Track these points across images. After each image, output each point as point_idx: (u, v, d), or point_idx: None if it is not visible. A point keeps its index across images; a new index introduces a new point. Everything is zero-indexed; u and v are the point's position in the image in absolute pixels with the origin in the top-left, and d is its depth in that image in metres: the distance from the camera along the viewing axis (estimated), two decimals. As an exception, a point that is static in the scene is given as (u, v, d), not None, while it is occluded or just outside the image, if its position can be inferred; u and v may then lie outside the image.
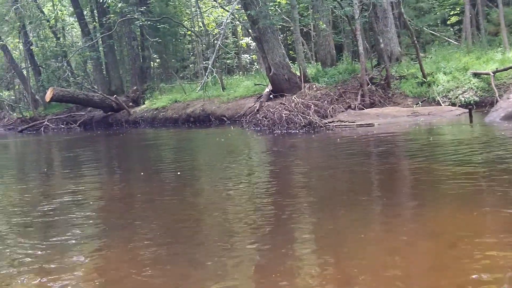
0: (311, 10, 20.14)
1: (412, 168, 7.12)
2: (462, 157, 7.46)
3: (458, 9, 22.12)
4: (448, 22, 23.24)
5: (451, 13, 22.82)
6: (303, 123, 13.26)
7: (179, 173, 8.25)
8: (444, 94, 14.59)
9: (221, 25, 19.16)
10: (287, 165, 8.43)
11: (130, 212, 5.85)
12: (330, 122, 13.28)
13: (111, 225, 5.31)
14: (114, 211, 6.02)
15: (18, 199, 7.35)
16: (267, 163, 9.10)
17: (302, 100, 14.45)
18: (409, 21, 18.54)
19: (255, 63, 29.73)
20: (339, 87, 15.94)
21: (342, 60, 20.57)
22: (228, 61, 29.79)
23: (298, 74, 17.67)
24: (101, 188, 7.77)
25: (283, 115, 13.82)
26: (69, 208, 6.14)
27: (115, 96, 24.14)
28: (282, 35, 27.68)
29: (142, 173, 8.78)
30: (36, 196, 7.42)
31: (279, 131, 13.41)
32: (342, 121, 13.22)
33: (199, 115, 19.50)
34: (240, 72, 27.93)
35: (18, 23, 30.78)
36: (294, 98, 14.70)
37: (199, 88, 16.72)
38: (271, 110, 14.54)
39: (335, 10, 19.17)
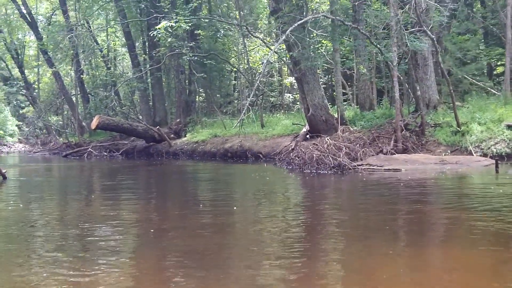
0: (354, 54, 21.16)
1: (429, 212, 8.08)
2: (474, 204, 8.43)
3: (504, 60, 22.76)
4: (495, 73, 23.89)
5: (498, 64, 23.48)
6: (333, 164, 14.18)
7: (235, 208, 9.14)
8: (476, 144, 15.26)
9: (267, 64, 20.37)
10: (317, 205, 9.33)
11: (163, 239, 6.69)
12: (359, 165, 14.17)
13: (143, 250, 6.23)
14: (148, 237, 6.90)
15: (58, 219, 8.55)
16: (298, 201, 10.13)
17: (335, 142, 15.39)
18: (450, 69, 19.34)
19: (298, 103, 30.90)
20: (373, 131, 16.82)
21: (382, 104, 21.47)
22: (271, 99, 31.07)
23: (336, 116, 18.64)
24: (138, 214, 8.84)
25: (314, 155, 14.78)
26: (106, 232, 7.16)
27: (158, 127, 25.64)
28: (326, 77, 28.81)
29: (201, 205, 9.65)
30: (75, 218, 8.59)
31: (309, 171, 14.36)
32: (371, 164, 14.08)
33: (236, 151, 20.63)
34: (282, 111, 29.14)
35: (72, 51, 32.97)
36: (327, 139, 15.65)
37: (235, 124, 17.87)
38: (303, 150, 15.54)
39: (378, 55, 20.14)
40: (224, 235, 6.92)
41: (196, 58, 25.44)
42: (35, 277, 5.08)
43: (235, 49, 29.21)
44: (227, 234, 7.01)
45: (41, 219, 8.57)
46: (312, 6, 22.32)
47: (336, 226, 7.30)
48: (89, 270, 5.23)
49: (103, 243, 6.50)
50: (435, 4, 15.79)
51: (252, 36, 26.45)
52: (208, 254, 5.80)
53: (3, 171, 16.14)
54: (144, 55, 31.02)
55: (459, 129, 15.89)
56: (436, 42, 16.54)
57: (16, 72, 49.46)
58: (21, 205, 10.06)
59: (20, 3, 38.58)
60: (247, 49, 26.30)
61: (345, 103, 23.56)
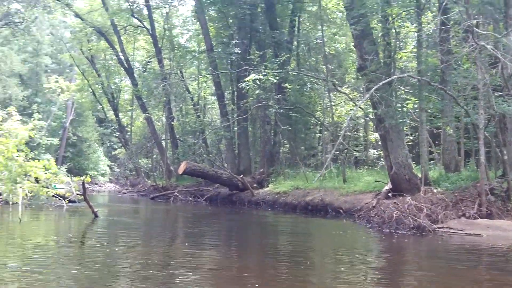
0: (441, 114, 21.14)
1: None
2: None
3: None
4: None
5: None
6: (412, 225, 14.26)
7: (328, 264, 9.56)
8: None
9: (350, 120, 20.74)
10: (396, 267, 9.64)
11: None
12: (439, 228, 14.17)
13: None
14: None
15: (142, 261, 9.30)
16: (377, 262, 10.39)
17: (416, 203, 15.46)
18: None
19: (382, 159, 30.89)
20: (456, 194, 16.69)
21: (469, 166, 21.21)
22: (356, 154, 31.27)
23: (420, 175, 18.64)
24: (217, 260, 9.45)
25: (394, 214, 14.92)
26: (188, 278, 7.78)
27: (241, 176, 26.44)
28: (413, 134, 28.76)
29: (305, 263, 9.93)
30: (157, 261, 9.31)
31: (388, 230, 14.49)
32: (451, 228, 14.06)
33: (317, 204, 20.94)
34: (365, 166, 29.25)
35: (164, 98, 34.75)
36: (408, 199, 15.75)
37: (315, 179, 18.26)
38: (383, 208, 15.69)
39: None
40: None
41: (282, 110, 26.25)
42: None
43: (321, 102, 29.81)
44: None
45: (126, 260, 9.34)
46: (401, 64, 22.60)
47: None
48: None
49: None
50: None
51: (338, 91, 27.00)
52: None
53: (95, 210, 17.40)
54: (232, 105, 32.29)
55: (547, 196, 15.52)
56: (525, 106, 16.35)
57: (111, 114, 52.37)
58: (105, 243, 10.94)
59: (118, 50, 41.18)
60: (332, 104, 26.85)
61: (431, 162, 23.39)
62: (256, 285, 7.25)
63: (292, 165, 29.14)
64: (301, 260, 9.98)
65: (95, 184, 49.41)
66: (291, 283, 7.62)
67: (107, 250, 10.32)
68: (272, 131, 29.73)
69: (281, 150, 31.10)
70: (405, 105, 21.29)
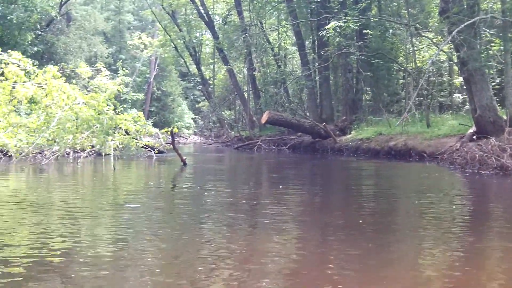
0: (528, 54, 20.99)
1: None
2: None
3: None
4: None
5: None
6: (495, 165, 14.71)
7: (416, 202, 9.93)
8: None
9: (432, 63, 21.00)
10: (482, 205, 9.84)
11: (323, 233, 7.39)
12: (523, 167, 14.55)
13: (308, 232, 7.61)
14: (309, 233, 7.46)
15: (229, 201, 10.24)
16: (462, 201, 10.53)
17: (499, 143, 15.82)
18: None
19: (467, 103, 30.70)
20: (542, 134, 16.88)
21: (557, 107, 21.03)
22: (440, 99, 31.27)
23: (505, 117, 18.80)
24: (301, 203, 10.27)
25: (477, 155, 15.40)
26: (276, 214, 8.46)
27: (324, 124, 27.21)
28: (500, 78, 28.44)
29: (393, 200, 10.57)
30: (244, 201, 10.09)
31: (470, 171, 15.01)
32: (535, 167, 14.41)
33: (400, 149, 21.46)
34: (450, 111, 29.28)
35: (245, 50, 35.74)
36: (492, 140, 16.12)
37: (397, 123, 18.82)
38: (465, 149, 16.17)
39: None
40: (383, 237, 8.04)
41: (363, 57, 26.64)
42: (204, 252, 5.93)
43: (404, 48, 29.87)
44: (388, 235, 7.90)
45: (218, 199, 10.19)
46: (485, 6, 22.40)
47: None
48: (257, 242, 6.37)
49: (271, 225, 7.34)
50: None
51: (421, 35, 27.01)
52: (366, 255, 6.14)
53: (183, 157, 18.81)
54: (313, 54, 32.89)
55: None
56: None
57: (193, 68, 53.86)
58: (198, 187, 12.06)
59: (198, 3, 42.28)
60: (415, 49, 26.94)
61: (518, 104, 23.24)
62: (360, 221, 7.65)
63: (375, 112, 29.57)
64: (386, 197, 10.76)
65: (180, 136, 51.62)
66: (376, 217, 8.34)
67: (205, 193, 10.97)
68: (354, 79, 30.14)
69: (363, 98, 31.48)
70: (489, 47, 21.25)
